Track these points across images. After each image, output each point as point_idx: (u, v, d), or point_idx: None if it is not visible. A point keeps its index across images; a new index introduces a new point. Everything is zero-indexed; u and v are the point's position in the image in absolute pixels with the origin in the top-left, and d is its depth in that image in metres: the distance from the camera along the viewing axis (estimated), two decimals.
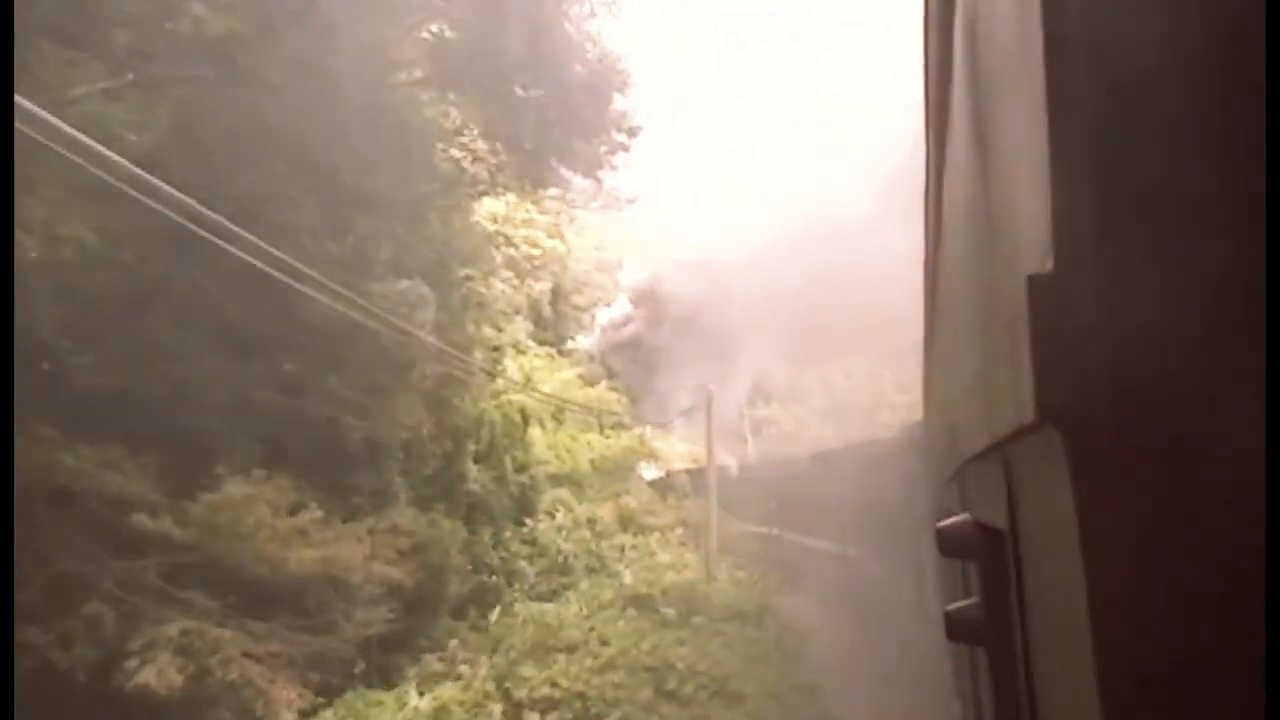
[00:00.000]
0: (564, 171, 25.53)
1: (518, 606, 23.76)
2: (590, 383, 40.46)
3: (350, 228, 17.21)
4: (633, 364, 56.81)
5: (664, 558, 29.73)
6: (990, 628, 2.41)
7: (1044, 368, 1.15)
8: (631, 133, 24.29)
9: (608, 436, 36.47)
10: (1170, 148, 1.05)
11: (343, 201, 16.83)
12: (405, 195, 19.02)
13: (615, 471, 34.53)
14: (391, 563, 17.19)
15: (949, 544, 2.91)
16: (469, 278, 27.31)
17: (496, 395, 27.83)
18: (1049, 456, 1.22)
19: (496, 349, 28.69)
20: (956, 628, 2.89)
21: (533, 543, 28.41)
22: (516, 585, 26.08)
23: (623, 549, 30.00)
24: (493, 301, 30.36)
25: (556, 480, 32.87)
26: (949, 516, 3.29)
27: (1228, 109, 1.02)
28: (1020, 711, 2.05)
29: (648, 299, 60.04)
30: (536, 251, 39.21)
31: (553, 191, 29.56)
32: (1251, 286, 0.99)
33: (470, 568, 23.17)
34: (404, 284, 18.62)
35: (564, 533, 29.55)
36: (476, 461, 27.32)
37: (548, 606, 23.97)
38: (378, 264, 19.23)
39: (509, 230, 38.05)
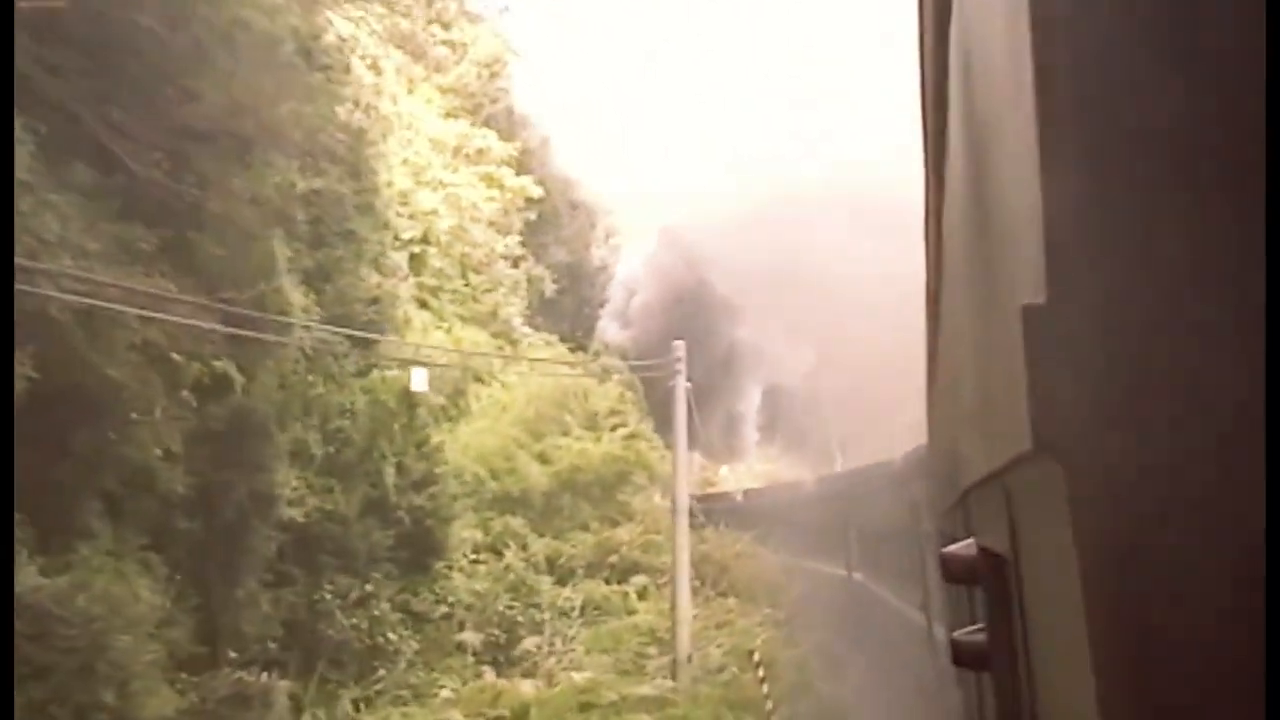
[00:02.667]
0: None
1: None
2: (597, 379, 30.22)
3: None
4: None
5: (644, 616, 19.47)
6: (995, 654, 2.45)
7: (1039, 398, 1.19)
8: None
9: (599, 440, 26.18)
10: (1164, 177, 1.06)
11: None
12: None
13: (596, 489, 24.24)
14: None
15: (953, 570, 2.99)
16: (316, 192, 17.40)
17: (364, 371, 17.83)
18: (1047, 485, 1.27)
19: (375, 301, 18.69)
20: (963, 654, 3.00)
21: (442, 598, 18.26)
22: (383, 671, 15.90)
23: (581, 606, 19.68)
24: (378, 236, 20.43)
25: (504, 503, 22.77)
26: (953, 541, 3.37)
27: (1224, 136, 1.03)
28: None
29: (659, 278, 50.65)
30: (493, 195, 29.38)
31: None
32: (1250, 315, 1.00)
33: (234, 655, 13.17)
34: None
35: (508, 579, 19.47)
36: (331, 474, 17.29)
37: None
38: None
39: (453, 164, 28.41)
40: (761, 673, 16.59)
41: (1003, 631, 2.24)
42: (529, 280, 37.42)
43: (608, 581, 22.56)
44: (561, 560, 22.82)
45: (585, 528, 24.78)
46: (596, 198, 48.16)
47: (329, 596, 16.74)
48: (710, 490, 48.87)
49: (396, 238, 25.53)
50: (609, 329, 50.46)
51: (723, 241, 49.88)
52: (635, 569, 24.40)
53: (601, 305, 47.80)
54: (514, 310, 34.71)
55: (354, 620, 16.91)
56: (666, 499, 28.99)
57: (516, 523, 23.40)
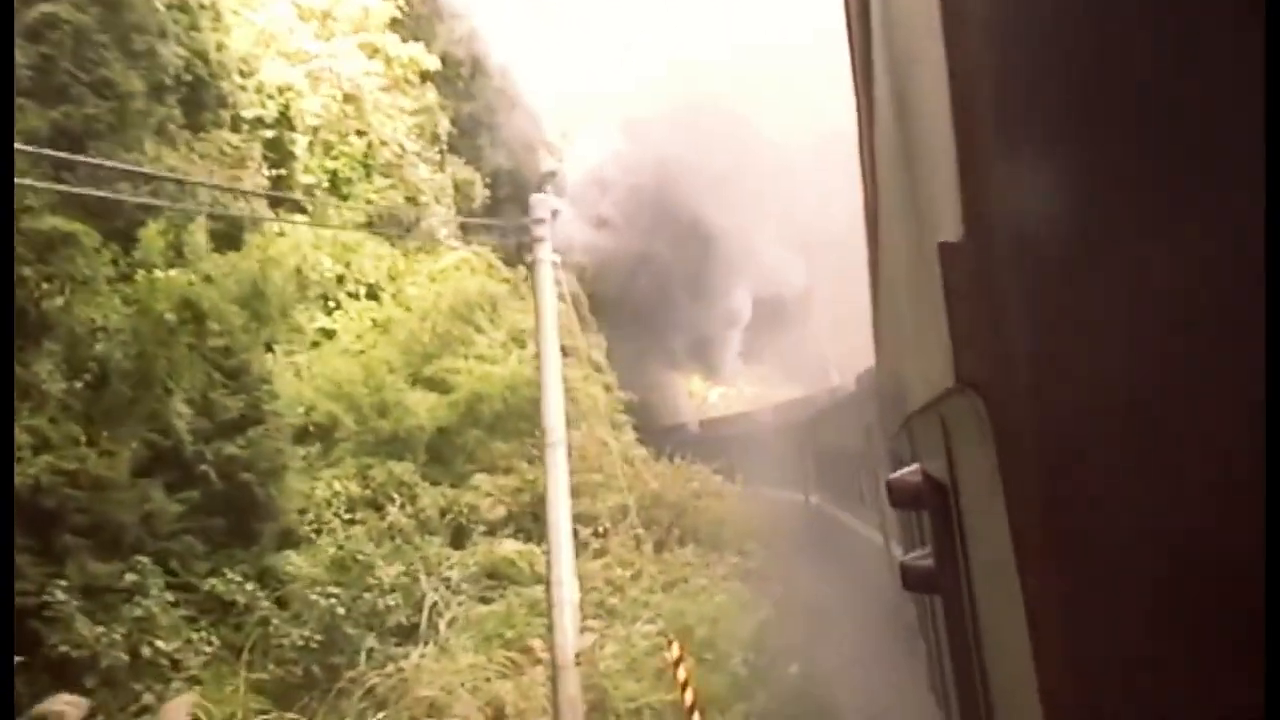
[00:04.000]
0: None
1: None
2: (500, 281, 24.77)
3: None
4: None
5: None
6: (942, 578, 2.48)
7: (959, 335, 1.21)
8: None
9: (511, 361, 20.88)
10: (1078, 113, 1.07)
11: None
12: None
13: (513, 422, 19.02)
14: None
15: (899, 496, 3.00)
16: None
17: (126, 275, 12.50)
18: (974, 417, 1.29)
19: (150, 180, 13.19)
20: (911, 578, 3.02)
21: (274, 583, 13.15)
22: (149, 697, 10.77)
23: (470, 578, 14.57)
24: (165, 95, 14.90)
25: (390, 446, 17.56)
26: (902, 465, 3.43)
27: (1146, 65, 1.04)
28: (969, 652, 2.17)
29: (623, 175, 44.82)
30: (375, 70, 23.88)
31: None
32: (1169, 247, 1.03)
33: None
34: None
35: (333, 556, 14.32)
36: (86, 420, 12.20)
37: None
38: None
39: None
40: (683, 674, 11.36)
41: (948, 555, 2.26)
42: (455, 186, 31.82)
43: (515, 538, 17.33)
44: (454, 514, 17.57)
45: (502, 470, 19.50)
46: (540, 94, 42.20)
47: (60, 595, 11.47)
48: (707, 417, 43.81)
49: (238, 117, 19.97)
50: (577, 233, 44.14)
51: (695, 136, 43.81)
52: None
53: (553, 214, 41.98)
54: (438, 221, 29.16)
55: (105, 626, 11.66)
56: (614, 431, 23.73)
57: (400, 469, 18.12)
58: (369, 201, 25.06)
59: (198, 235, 14.62)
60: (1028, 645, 1.13)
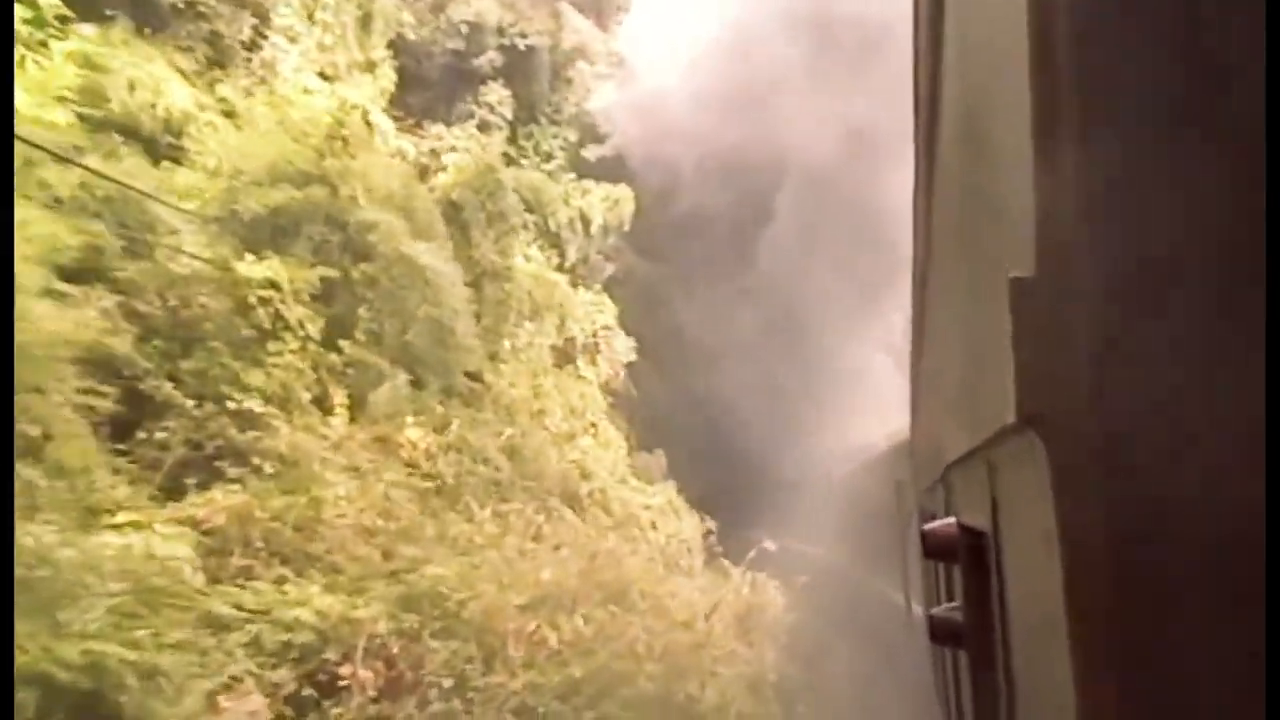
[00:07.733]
0: None
1: None
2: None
3: None
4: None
5: None
6: (971, 630, 2.49)
7: (1025, 370, 1.19)
8: None
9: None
10: (1158, 151, 1.06)
11: None
12: None
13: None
14: None
15: (933, 547, 3.01)
16: None
17: None
18: (1030, 459, 1.26)
19: None
20: (939, 630, 3.01)
21: None
22: None
23: None
24: None
25: None
26: (933, 519, 3.39)
27: (1218, 110, 1.03)
28: (999, 713, 2.09)
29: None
30: None
31: None
32: (1241, 295, 1.00)
33: None
34: None
35: None
36: None
37: None
38: None
39: None
40: None
41: (980, 607, 2.21)
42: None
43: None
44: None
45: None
46: None
47: None
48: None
49: None
50: (685, 122, 29.77)
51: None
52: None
53: (600, 139, 29.58)
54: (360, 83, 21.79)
55: None
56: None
57: None
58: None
59: None
60: (1071, 701, 1.05)
